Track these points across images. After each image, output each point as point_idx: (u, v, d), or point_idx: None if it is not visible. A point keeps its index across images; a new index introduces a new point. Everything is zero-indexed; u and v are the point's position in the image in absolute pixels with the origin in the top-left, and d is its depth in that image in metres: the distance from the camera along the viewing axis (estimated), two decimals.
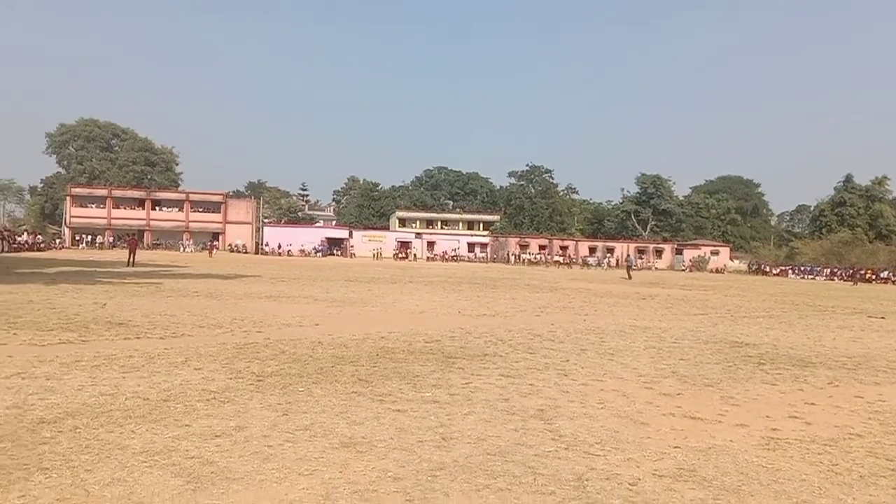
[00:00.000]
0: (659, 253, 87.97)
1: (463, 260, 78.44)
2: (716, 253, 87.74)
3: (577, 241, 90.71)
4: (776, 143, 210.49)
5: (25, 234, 61.00)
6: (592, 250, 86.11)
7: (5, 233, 54.63)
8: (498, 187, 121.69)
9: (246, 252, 73.72)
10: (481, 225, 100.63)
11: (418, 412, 6.08)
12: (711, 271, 79.02)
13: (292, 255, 70.26)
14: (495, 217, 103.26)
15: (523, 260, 78.52)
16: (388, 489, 4.19)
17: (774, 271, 74.95)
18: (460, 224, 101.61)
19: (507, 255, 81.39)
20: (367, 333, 11.22)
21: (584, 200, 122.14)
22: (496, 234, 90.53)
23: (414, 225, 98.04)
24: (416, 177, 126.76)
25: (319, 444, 5.05)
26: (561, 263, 75.76)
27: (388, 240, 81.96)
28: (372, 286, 24.69)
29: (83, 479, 4.18)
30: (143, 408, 5.94)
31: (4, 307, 12.82)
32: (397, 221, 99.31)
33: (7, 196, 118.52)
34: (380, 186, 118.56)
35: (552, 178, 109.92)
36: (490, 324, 13.67)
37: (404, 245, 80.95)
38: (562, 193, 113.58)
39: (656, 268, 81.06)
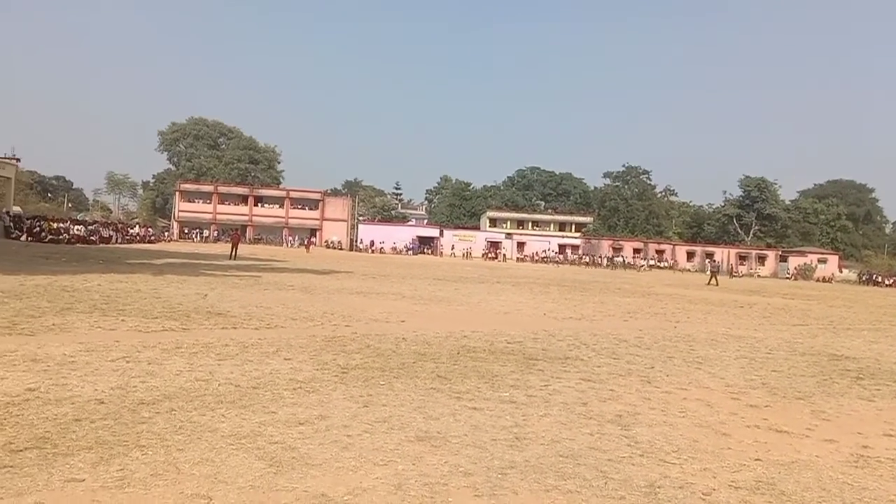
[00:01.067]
0: (762, 259, 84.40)
1: (553, 261, 77.74)
2: (823, 261, 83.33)
3: (674, 244, 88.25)
4: (893, 146, 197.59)
5: (137, 226, 64.93)
6: (691, 255, 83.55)
7: (119, 225, 58.36)
8: (592, 188, 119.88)
9: (341, 248, 75.75)
10: (573, 226, 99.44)
11: (494, 411, 6.16)
12: (818, 280, 75.08)
13: (384, 253, 71.66)
14: (588, 218, 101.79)
15: (616, 263, 77.04)
16: (458, 483, 4.29)
17: (887, 282, 70.43)
18: (552, 225, 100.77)
19: (600, 257, 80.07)
20: (450, 331, 11.38)
21: (684, 203, 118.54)
22: (588, 236, 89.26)
23: (504, 225, 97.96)
24: (507, 177, 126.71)
25: (396, 437, 5.21)
26: (656, 267, 73.87)
27: (477, 239, 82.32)
28: (459, 285, 24.91)
29: (175, 458, 4.49)
30: (234, 394, 6.29)
31: (115, 295, 13.76)
32: (488, 221, 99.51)
33: (122, 190, 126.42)
34: (471, 186, 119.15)
35: (649, 179, 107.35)
36: (575, 327, 13.56)
37: (494, 245, 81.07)
38: (660, 195, 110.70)
39: (758, 275, 77.75)
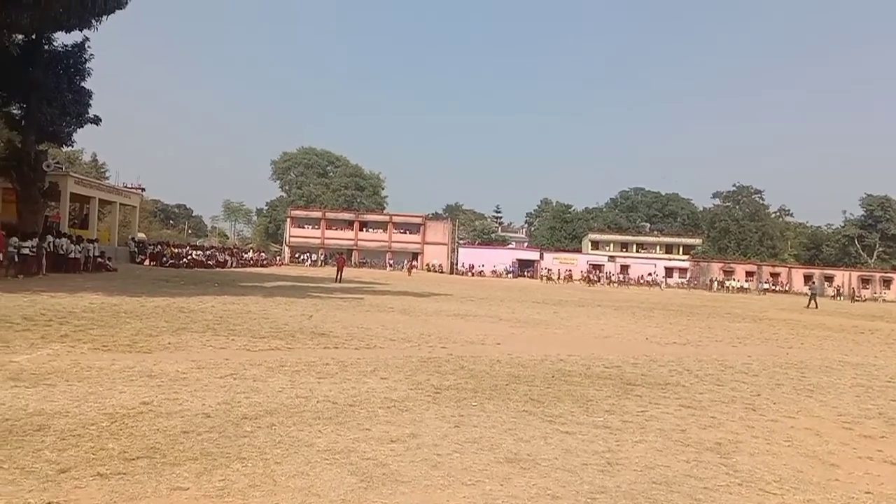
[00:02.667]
0: (887, 283, 78.68)
1: (659, 285, 75.48)
2: None
3: (789, 267, 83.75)
4: None
5: (251, 251, 68.16)
6: (808, 278, 78.97)
7: (234, 250, 61.47)
8: (700, 209, 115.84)
9: (441, 271, 76.54)
10: (681, 249, 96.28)
11: (587, 436, 6.07)
12: None
13: (484, 276, 71.79)
14: (697, 240, 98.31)
15: (727, 287, 73.87)
16: None
17: None
18: (657, 247, 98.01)
19: (709, 281, 77.04)
20: (546, 355, 11.28)
21: (800, 224, 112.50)
22: (697, 259, 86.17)
23: (607, 248, 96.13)
24: (610, 198, 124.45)
25: (485, 458, 5.23)
26: (770, 291, 70.32)
27: (579, 262, 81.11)
28: (558, 308, 24.63)
29: (272, 470, 4.69)
30: (331, 411, 6.49)
31: (227, 316, 14.50)
32: (590, 244, 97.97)
33: (238, 217, 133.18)
34: (572, 208, 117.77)
35: (762, 199, 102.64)
36: (678, 353, 13.12)
37: (596, 268, 79.63)
38: (774, 216, 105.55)
39: (883, 299, 72.45)
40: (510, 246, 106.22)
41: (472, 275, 72.80)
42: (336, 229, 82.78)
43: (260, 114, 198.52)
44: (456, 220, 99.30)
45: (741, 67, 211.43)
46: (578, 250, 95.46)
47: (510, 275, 75.22)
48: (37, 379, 7.08)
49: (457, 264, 79.90)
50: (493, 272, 75.25)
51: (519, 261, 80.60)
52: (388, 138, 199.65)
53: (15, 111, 29.09)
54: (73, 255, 28.74)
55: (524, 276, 75.84)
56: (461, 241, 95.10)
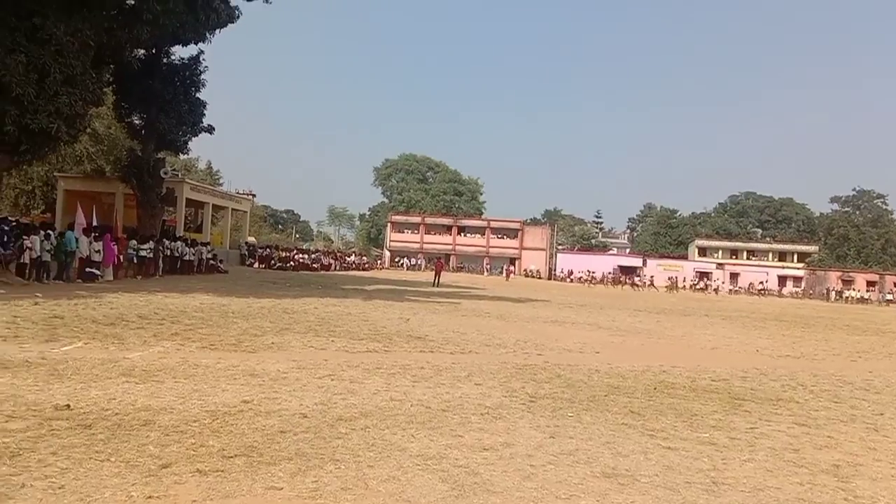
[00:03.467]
0: None
1: (772, 294, 71.72)
2: None
3: None
4: None
5: (353, 255, 69.82)
6: None
7: (338, 254, 63.18)
8: (817, 214, 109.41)
9: (539, 277, 75.76)
10: (795, 256, 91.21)
11: (691, 452, 5.74)
12: None
13: (583, 282, 70.51)
14: (813, 248, 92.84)
15: (845, 297, 69.32)
16: None
17: None
18: (770, 255, 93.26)
19: (826, 290, 72.54)
20: (648, 366, 10.85)
21: None
22: (813, 267, 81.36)
23: (715, 255, 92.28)
24: (719, 203, 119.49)
25: (581, 471, 5.03)
26: (894, 303, 65.47)
27: (685, 269, 78.29)
28: (662, 317, 23.79)
29: (365, 474, 4.68)
30: (425, 415, 6.45)
31: (328, 318, 14.83)
32: (696, 250, 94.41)
33: (341, 222, 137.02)
34: (678, 213, 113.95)
35: (885, 204, 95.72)
36: (792, 366, 12.34)
37: (703, 276, 76.62)
38: None
39: None
40: (611, 252, 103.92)
41: (572, 281, 71.65)
42: (435, 234, 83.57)
43: (363, 121, 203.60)
44: (555, 226, 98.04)
45: (847, 61, 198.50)
46: (684, 257, 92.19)
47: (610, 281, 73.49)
48: (147, 375, 7.42)
49: (555, 270, 78.89)
50: (593, 278, 73.76)
51: (620, 267, 78.67)
52: (486, 144, 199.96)
53: (136, 121, 30.99)
54: (187, 258, 30.28)
55: (626, 282, 73.95)
56: (560, 247, 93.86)
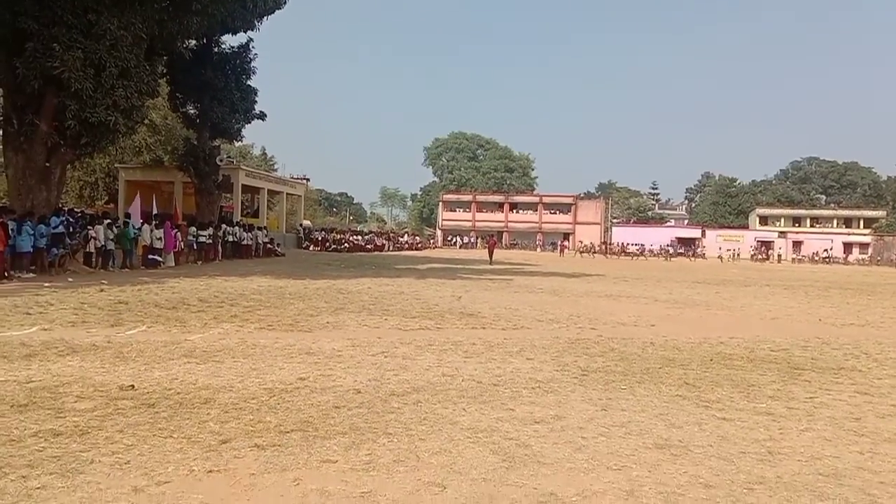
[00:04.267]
0: None
1: (837, 262, 69.34)
2: None
3: None
4: None
5: (406, 235, 70.33)
6: None
7: (391, 234, 63.72)
8: (884, 178, 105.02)
9: (594, 252, 74.94)
10: (861, 222, 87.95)
11: (747, 423, 5.64)
12: None
13: (640, 255, 69.43)
14: (880, 213, 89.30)
15: None
16: (696, 495, 3.99)
17: None
18: (834, 222, 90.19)
19: (894, 257, 69.80)
20: (705, 337, 10.66)
21: None
22: (880, 233, 78.31)
23: (777, 223, 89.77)
24: (780, 170, 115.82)
25: (633, 442, 5.00)
26: None
27: (745, 239, 76.38)
28: (721, 289, 23.28)
29: (416, 446, 4.76)
30: (476, 390, 6.50)
31: (381, 297, 15.02)
32: (757, 219, 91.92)
33: (394, 203, 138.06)
34: (737, 182, 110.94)
35: None
36: (856, 335, 11.95)
37: (765, 245, 74.58)
38: None
39: None
40: (668, 224, 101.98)
41: (627, 254, 70.65)
42: (486, 212, 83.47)
43: (413, 102, 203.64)
44: (609, 199, 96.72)
45: None
46: (745, 227, 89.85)
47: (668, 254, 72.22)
48: (207, 356, 7.68)
49: (610, 243, 77.90)
50: (650, 251, 72.54)
51: (678, 239, 77.18)
52: (538, 119, 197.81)
53: (190, 111, 31.73)
54: (245, 242, 31.02)
55: (685, 255, 72.55)
56: (615, 220, 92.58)
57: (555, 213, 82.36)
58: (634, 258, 63.94)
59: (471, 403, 5.99)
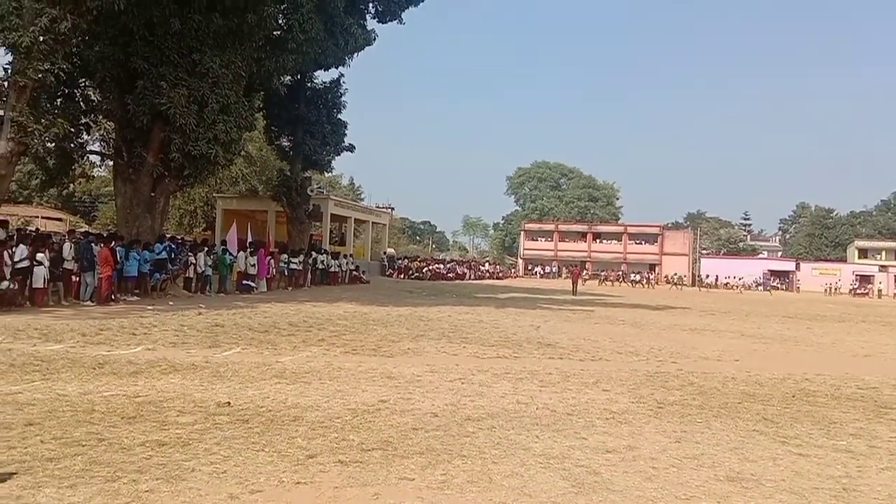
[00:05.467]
0: None
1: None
2: None
3: None
4: None
5: (487, 264, 70.60)
6: None
7: (472, 263, 64.18)
8: None
9: (682, 284, 73.02)
10: None
11: (824, 459, 5.58)
12: None
13: (730, 288, 67.22)
14: None
15: None
16: None
17: None
18: None
19: None
20: (789, 373, 10.40)
21: None
22: None
23: (878, 256, 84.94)
24: (881, 200, 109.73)
25: (704, 474, 5.06)
26: None
27: (843, 273, 72.69)
28: (813, 324, 22.40)
29: (490, 469, 4.98)
30: (550, 418, 6.67)
31: (461, 325, 15.32)
32: (856, 252, 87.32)
33: (475, 232, 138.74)
34: (835, 213, 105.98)
35: None
36: None
37: (864, 279, 70.78)
38: None
39: None
40: (761, 256, 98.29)
41: (717, 287, 68.51)
42: (569, 241, 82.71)
43: (497, 131, 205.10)
44: (698, 229, 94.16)
45: None
46: (843, 260, 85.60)
47: (760, 287, 69.60)
48: (296, 377, 8.15)
49: (699, 276, 75.72)
50: (741, 284, 70.13)
51: (771, 272, 74.32)
52: (624, 147, 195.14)
53: (284, 143, 33.30)
54: (332, 269, 32.08)
55: (777, 288, 69.76)
56: (704, 252, 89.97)
57: (640, 243, 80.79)
58: (731, 290, 61.96)
59: (544, 431, 6.17)
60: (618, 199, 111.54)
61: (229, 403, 6.58)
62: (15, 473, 4.33)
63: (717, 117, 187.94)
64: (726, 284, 68.78)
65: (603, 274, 67.78)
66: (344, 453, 5.18)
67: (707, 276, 72.64)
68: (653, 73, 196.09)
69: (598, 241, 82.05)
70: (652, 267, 77.35)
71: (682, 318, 21.74)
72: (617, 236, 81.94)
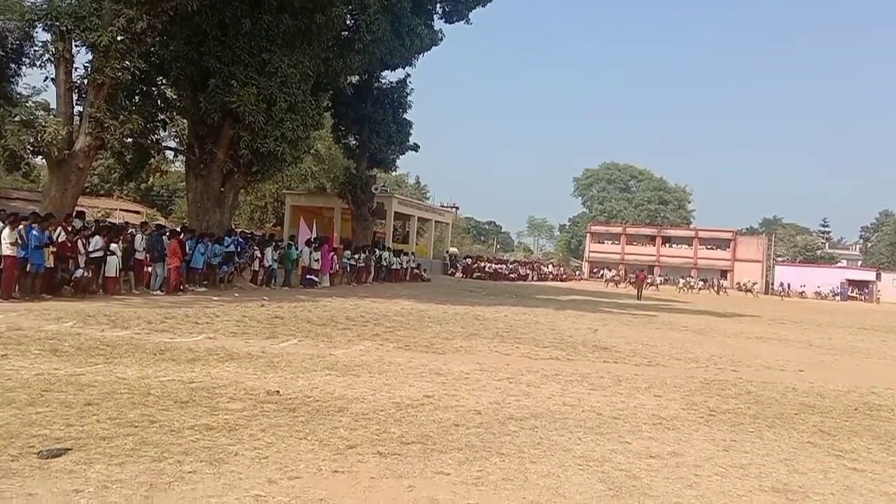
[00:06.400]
0: None
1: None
2: None
3: None
4: None
5: (551, 265, 70.00)
6: None
7: (535, 264, 63.74)
8: None
9: (753, 291, 70.70)
10: None
11: (880, 475, 5.34)
12: None
13: (805, 297, 64.75)
14: None
15: None
16: None
17: None
18: None
19: None
20: (855, 386, 9.97)
21: None
22: None
23: None
24: None
25: (748, 484, 4.92)
26: None
27: None
28: (889, 336, 21.35)
29: (526, 468, 4.97)
30: (594, 421, 6.59)
31: (516, 325, 15.27)
32: None
33: (540, 233, 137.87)
34: None
35: None
36: None
37: None
38: None
39: None
40: (839, 264, 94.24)
41: (790, 296, 66.08)
42: (637, 244, 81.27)
43: (564, 131, 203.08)
44: (773, 235, 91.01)
45: None
46: None
47: (837, 297, 66.77)
48: (346, 369, 8.30)
49: (772, 284, 73.16)
50: (817, 293, 67.46)
51: (849, 281, 71.18)
52: (697, 150, 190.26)
53: (351, 142, 33.85)
54: (394, 267, 32.43)
55: (855, 298, 66.80)
56: (779, 259, 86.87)
57: (712, 248, 78.62)
58: (806, 299, 59.68)
59: (587, 433, 6.10)
60: (690, 202, 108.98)
61: (278, 392, 6.75)
62: (70, 449, 4.57)
63: (797, 120, 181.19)
64: (801, 293, 66.28)
65: (688, 279, 65.69)
66: (384, 445, 5.26)
67: (781, 285, 70.02)
68: (729, 72, 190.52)
69: (667, 245, 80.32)
70: (723, 273, 75.23)
71: (749, 326, 21.07)
72: (687, 241, 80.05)
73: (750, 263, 75.68)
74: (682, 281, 63.85)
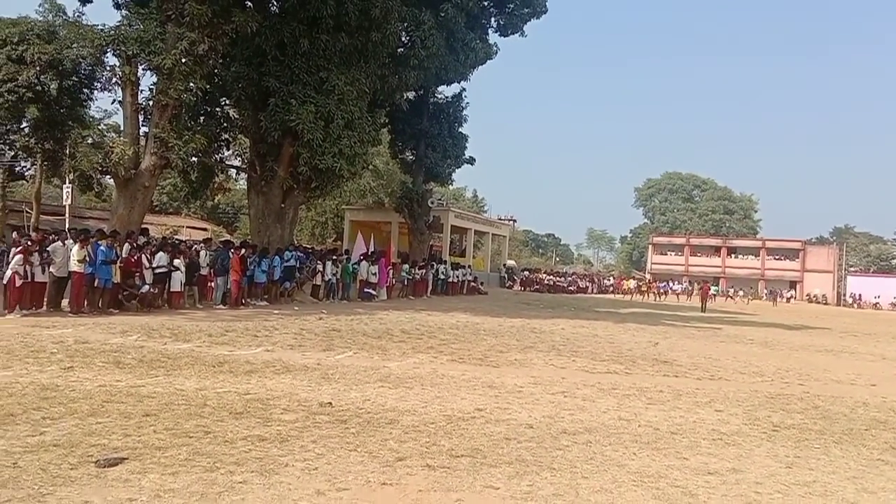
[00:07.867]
0: None
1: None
2: None
3: None
4: None
5: (612, 277, 68.83)
6: None
7: (595, 276, 62.83)
8: None
9: (825, 303, 68.08)
10: None
11: None
12: None
13: (880, 308, 61.93)
14: None
15: None
16: None
17: None
18: None
19: None
20: None
21: None
22: None
23: None
24: None
25: (812, 502, 4.72)
26: None
27: None
28: None
29: (578, 483, 4.87)
30: (651, 436, 6.42)
31: (574, 338, 15.04)
32: None
33: (600, 245, 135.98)
34: None
35: None
36: None
37: None
38: None
39: None
40: None
41: (864, 307, 63.32)
42: (701, 255, 79.24)
43: (624, 141, 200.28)
44: (844, 245, 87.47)
45: None
46: None
47: None
48: (399, 382, 8.32)
49: (844, 295, 70.25)
50: (893, 305, 64.41)
51: None
52: (763, 157, 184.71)
53: (408, 157, 34.16)
54: (451, 280, 32.46)
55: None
56: (851, 269, 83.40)
57: (780, 259, 76.05)
58: (882, 310, 57.13)
59: (643, 449, 5.95)
60: (756, 211, 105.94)
61: (331, 404, 6.81)
62: (126, 458, 4.71)
63: (868, 125, 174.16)
64: (875, 304, 63.47)
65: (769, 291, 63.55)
66: (433, 458, 5.24)
67: (853, 295, 67.18)
68: (792, 76, 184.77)
69: (732, 255, 78.09)
70: (792, 284, 72.72)
71: (819, 339, 20.25)
72: (754, 251, 77.68)
73: (820, 274, 72.93)
74: (741, 292, 62.13)
